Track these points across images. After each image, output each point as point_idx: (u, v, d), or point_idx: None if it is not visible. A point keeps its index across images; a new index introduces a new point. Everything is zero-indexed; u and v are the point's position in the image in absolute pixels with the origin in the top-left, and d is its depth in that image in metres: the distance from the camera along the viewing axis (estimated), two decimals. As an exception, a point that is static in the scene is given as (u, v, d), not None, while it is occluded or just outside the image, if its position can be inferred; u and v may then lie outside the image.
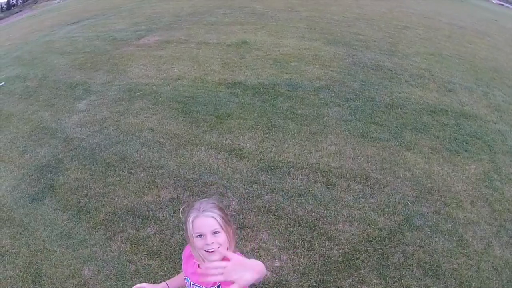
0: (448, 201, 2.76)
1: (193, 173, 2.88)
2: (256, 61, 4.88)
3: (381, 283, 2.06)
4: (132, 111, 4.12)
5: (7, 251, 2.68)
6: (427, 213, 2.61)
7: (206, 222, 1.08)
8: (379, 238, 2.32)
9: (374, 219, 2.44)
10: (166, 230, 2.46)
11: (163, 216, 2.58)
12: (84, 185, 3.12)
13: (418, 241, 2.37)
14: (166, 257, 2.28)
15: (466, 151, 3.47)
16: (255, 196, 2.60)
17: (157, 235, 2.45)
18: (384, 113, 3.72)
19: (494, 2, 15.11)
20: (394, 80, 4.55)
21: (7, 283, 2.44)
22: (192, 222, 1.09)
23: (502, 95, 5.18)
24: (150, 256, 2.30)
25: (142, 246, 2.40)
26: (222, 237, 1.09)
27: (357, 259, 2.16)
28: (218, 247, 1.07)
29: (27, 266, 2.51)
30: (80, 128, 4.10)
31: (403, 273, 2.14)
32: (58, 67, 6.63)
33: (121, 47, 6.91)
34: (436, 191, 2.83)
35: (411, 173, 2.93)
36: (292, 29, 6.37)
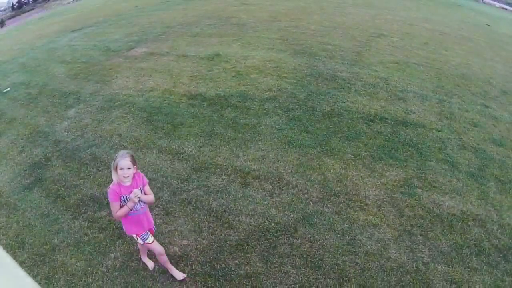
0: (352, 204, 3.05)
1: (142, 171, 3.48)
2: (221, 73, 5.46)
3: (262, 266, 2.53)
4: (108, 119, 4.84)
5: (2, 226, 3.48)
6: (327, 212, 2.95)
7: (124, 163, 2.17)
8: (273, 231, 2.79)
9: (274, 214, 2.93)
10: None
11: None
12: (63, 178, 3.87)
13: (308, 236, 2.72)
14: (110, 232, 2.99)
15: (391, 158, 3.76)
16: (183, 190, 3.21)
17: (107, 216, 3.16)
18: (319, 122, 4.16)
19: (497, 6, 14.63)
20: (343, 90, 4.95)
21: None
22: (117, 162, 2.17)
23: (461, 102, 5.37)
24: (99, 231, 3.04)
25: (95, 223, 3.13)
26: (131, 170, 2.22)
27: (247, 245, 2.68)
28: (128, 175, 2.21)
29: (16, 237, 3.27)
30: (67, 133, 4.85)
31: (285, 260, 2.54)
32: (56, 76, 7.43)
33: (112, 58, 7.67)
34: (343, 194, 3.14)
35: (323, 177, 3.35)
36: (265, 41, 6.88)
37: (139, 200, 2.24)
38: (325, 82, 5.16)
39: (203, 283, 2.43)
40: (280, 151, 3.62)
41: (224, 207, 2.99)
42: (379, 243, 2.71)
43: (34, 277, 2.74)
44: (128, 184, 2.28)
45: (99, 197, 3.46)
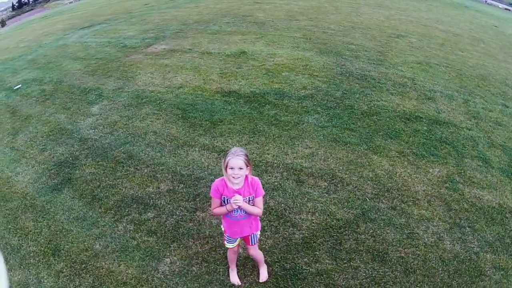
0: (405, 199, 3.15)
1: (188, 169, 3.44)
2: (251, 71, 5.41)
3: (331, 263, 2.53)
4: (138, 116, 4.71)
5: (30, 231, 3.23)
6: (383, 208, 3.02)
7: (236, 162, 1.90)
8: (336, 227, 2.79)
9: (334, 211, 2.92)
10: (162, 214, 3.03)
11: (161, 203, 3.15)
12: (97, 178, 3.69)
13: (370, 231, 2.78)
14: (161, 235, 2.84)
15: (432, 155, 3.85)
16: None
17: (155, 218, 3.02)
18: (359, 120, 4.17)
19: (500, 7, 15.00)
20: (376, 89, 4.97)
21: (30, 256, 2.96)
22: (228, 159, 1.91)
23: (484, 102, 5.48)
24: (149, 234, 2.87)
25: (142, 226, 2.97)
26: (243, 171, 1.94)
27: (314, 242, 2.65)
28: (239, 176, 1.94)
29: (48, 243, 3.03)
30: (93, 130, 4.67)
31: (353, 256, 2.58)
32: (72, 72, 7.24)
33: (130, 54, 7.54)
34: (395, 190, 3.23)
35: (374, 174, 3.38)
36: (288, 39, 6.86)
37: (239, 207, 1.98)
38: (356, 81, 5.17)
39: (274, 283, 2.38)
40: (328, 149, 3.60)
41: (283, 205, 2.94)
42: (434, 235, 2.83)
43: (76, 287, 2.55)
44: (237, 188, 1.98)
45: (142, 198, 3.31)
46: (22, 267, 2.82)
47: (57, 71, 7.63)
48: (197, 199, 3.17)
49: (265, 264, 2.49)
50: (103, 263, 2.73)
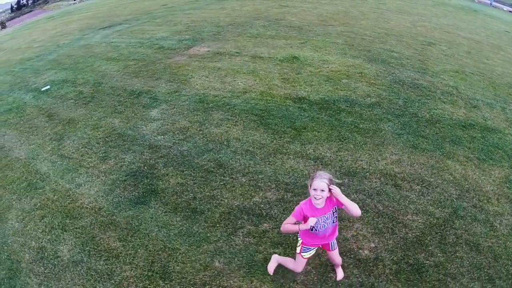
0: (481, 198, 3.57)
1: (289, 177, 3.61)
2: (311, 77, 5.70)
3: (442, 255, 2.91)
4: (211, 122, 4.74)
5: (120, 253, 2.91)
6: (467, 206, 3.43)
7: (319, 184, 2.14)
8: (437, 225, 3.17)
9: (432, 211, 3.31)
10: (280, 224, 2.97)
11: (275, 213, 3.22)
12: (188, 189, 3.54)
13: (463, 226, 3.19)
14: (288, 246, 2.89)
15: (491, 159, 4.30)
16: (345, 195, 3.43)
17: (274, 229, 3.02)
18: (426, 127, 4.57)
19: (505, 9, 15.76)
20: (429, 98, 5.38)
21: (129, 282, 2.67)
22: (313, 181, 2.16)
23: (518, 110, 6.01)
24: (274, 246, 2.86)
25: (264, 238, 2.94)
26: (325, 192, 2.17)
27: (425, 239, 3.03)
28: (321, 198, 2.17)
29: (151, 265, 2.75)
30: (162, 136, 4.55)
31: (456, 248, 2.98)
32: (110, 74, 7.10)
33: (172, 56, 7.56)
34: (472, 191, 3.64)
35: (453, 177, 3.79)
36: (332, 45, 7.17)
37: (314, 227, 2.17)
38: (410, 89, 5.57)
39: (406, 278, 2.71)
40: (411, 155, 3.98)
41: (390, 208, 3.29)
42: (507, 227, 3.27)
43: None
44: (319, 207, 2.23)
45: (252, 209, 3.24)
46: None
47: (89, 72, 7.51)
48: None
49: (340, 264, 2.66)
50: (231, 281, 2.61)
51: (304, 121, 4.52)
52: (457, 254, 2.95)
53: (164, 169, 3.91)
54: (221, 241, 2.92)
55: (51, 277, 2.90)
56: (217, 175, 3.74)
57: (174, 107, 5.35)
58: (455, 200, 3.49)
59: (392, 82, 5.68)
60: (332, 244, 2.49)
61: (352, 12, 10.22)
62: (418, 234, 3.07)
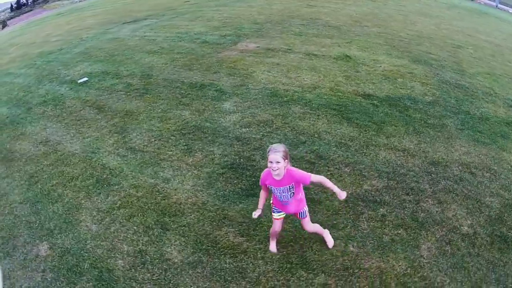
0: None
1: (387, 167, 4.06)
2: (370, 75, 6.27)
3: None
4: (292, 115, 5.12)
5: (247, 248, 2.87)
6: None
7: (273, 157, 2.36)
8: (509, 205, 3.84)
9: (503, 193, 3.87)
10: (395, 209, 3.42)
11: (387, 199, 3.57)
12: None
13: None
14: (410, 227, 3.19)
15: None
16: (436, 182, 3.92)
17: (391, 213, 3.36)
18: (480, 124, 5.27)
19: (510, 11, 16.79)
20: (475, 98, 6.09)
21: (267, 278, 2.67)
22: (268, 154, 2.39)
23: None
24: (397, 228, 3.19)
25: (386, 221, 3.24)
26: (280, 164, 2.39)
27: (505, 217, 3.70)
28: (277, 169, 2.38)
29: (286, 257, 2.79)
30: (247, 129, 4.75)
31: None
32: (157, 66, 7.20)
33: (222, 51, 7.81)
34: None
35: (511, 166, 4.52)
36: (375, 46, 7.74)
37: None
38: (456, 89, 6.26)
39: (498, 247, 3.25)
40: (475, 147, 4.66)
41: (473, 191, 3.88)
42: None
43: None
44: (278, 179, 2.41)
45: (365, 195, 3.51)
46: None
47: (132, 64, 7.61)
48: (415, 192, 3.63)
49: (326, 230, 2.88)
50: (370, 263, 2.76)
51: (380, 116, 5.11)
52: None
53: (263, 160, 3.93)
54: (348, 227, 3.12)
55: (163, 283, 2.65)
56: (320, 165, 3.94)
57: (247, 101, 5.58)
58: (519, 185, 4.19)
59: (440, 82, 6.35)
60: (301, 213, 2.72)
61: (379, 14, 10.79)
62: (497, 212, 3.75)
